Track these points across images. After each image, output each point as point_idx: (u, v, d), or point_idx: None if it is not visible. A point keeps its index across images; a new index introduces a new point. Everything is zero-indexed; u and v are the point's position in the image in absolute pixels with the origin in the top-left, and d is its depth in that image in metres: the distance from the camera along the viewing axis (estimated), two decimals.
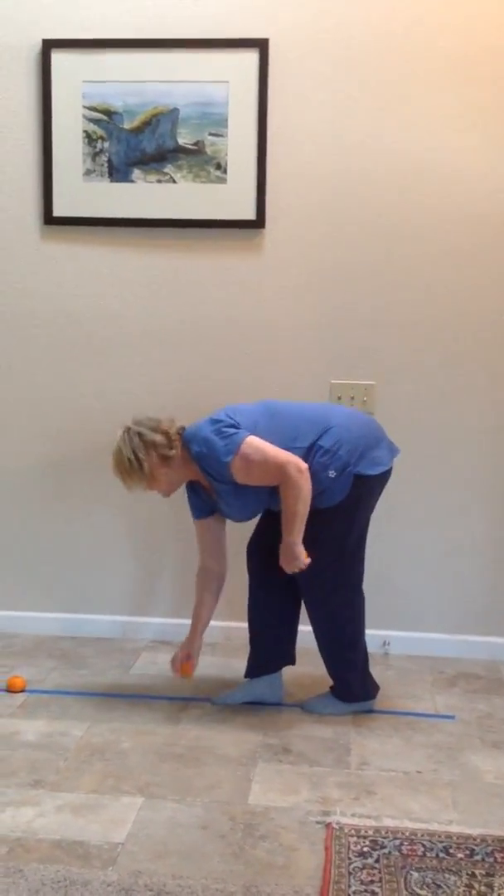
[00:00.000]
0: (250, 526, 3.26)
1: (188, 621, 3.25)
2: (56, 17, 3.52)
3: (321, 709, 3.19)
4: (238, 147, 3.52)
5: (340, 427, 3.04)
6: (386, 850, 2.41)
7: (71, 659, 3.58)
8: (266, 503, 3.08)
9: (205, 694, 3.29)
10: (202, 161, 3.55)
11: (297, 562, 2.96)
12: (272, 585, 3.18)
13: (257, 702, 3.23)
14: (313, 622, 3.17)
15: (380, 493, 3.16)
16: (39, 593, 3.85)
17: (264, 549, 3.15)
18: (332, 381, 3.62)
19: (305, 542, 2.96)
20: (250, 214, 3.56)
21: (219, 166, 3.54)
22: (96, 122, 3.56)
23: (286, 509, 2.94)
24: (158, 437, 3.00)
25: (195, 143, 3.54)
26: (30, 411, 3.76)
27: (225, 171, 3.54)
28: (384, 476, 3.12)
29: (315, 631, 3.18)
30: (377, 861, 2.36)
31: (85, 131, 3.57)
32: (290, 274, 3.60)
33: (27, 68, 3.55)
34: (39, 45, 3.52)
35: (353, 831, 2.49)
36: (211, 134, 3.52)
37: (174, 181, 3.57)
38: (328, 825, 2.52)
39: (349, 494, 3.01)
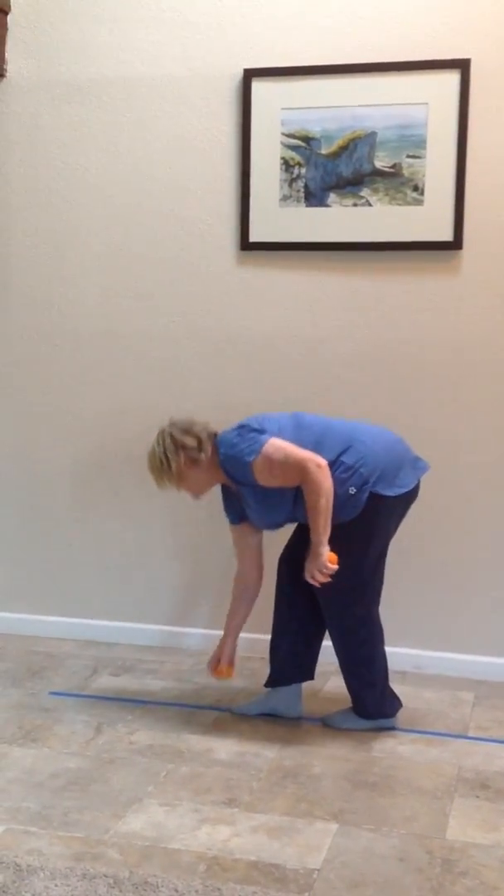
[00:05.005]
0: (286, 537, 3.25)
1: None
2: (256, 47, 3.59)
3: (340, 723, 3.21)
4: (436, 168, 3.49)
5: (365, 445, 3.06)
6: None
7: (260, 679, 3.59)
8: (290, 511, 3.08)
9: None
10: (398, 183, 3.53)
11: (321, 561, 2.94)
12: (296, 600, 3.22)
13: (273, 714, 3.27)
14: (332, 639, 3.20)
15: (403, 514, 3.18)
16: None
17: (293, 563, 3.17)
18: None
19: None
20: (447, 236, 3.51)
21: (416, 188, 3.51)
22: (294, 148, 3.60)
23: (309, 507, 2.95)
24: (189, 440, 3.06)
25: (392, 166, 3.53)
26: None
27: (422, 193, 3.51)
28: (406, 497, 3.11)
29: (334, 648, 3.20)
30: None
31: (282, 158, 3.61)
32: (487, 295, 3.53)
33: (229, 98, 3.63)
34: (241, 74, 3.60)
35: None
36: (409, 156, 3.50)
37: (370, 204, 3.57)
38: None
39: (366, 510, 3.00)
